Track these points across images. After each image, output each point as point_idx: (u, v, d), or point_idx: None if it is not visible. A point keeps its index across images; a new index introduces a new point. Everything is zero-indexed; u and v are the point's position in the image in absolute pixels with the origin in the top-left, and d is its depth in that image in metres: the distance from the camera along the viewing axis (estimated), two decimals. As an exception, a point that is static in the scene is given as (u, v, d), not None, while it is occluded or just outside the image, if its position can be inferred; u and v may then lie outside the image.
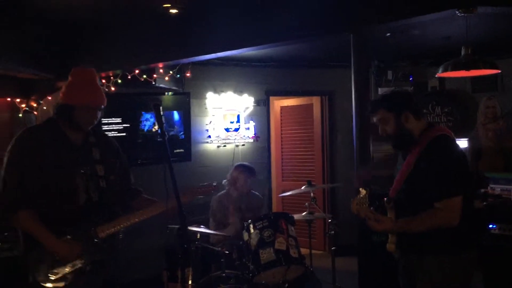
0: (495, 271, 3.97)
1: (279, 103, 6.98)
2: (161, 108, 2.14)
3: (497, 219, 4.09)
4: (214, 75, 5.93)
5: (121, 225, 2.50)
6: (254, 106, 6.10)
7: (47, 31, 4.43)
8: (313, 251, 4.43)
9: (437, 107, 6.03)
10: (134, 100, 5.25)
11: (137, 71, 4.89)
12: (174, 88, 5.51)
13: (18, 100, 4.98)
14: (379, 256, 3.85)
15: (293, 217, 3.60)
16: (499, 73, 4.39)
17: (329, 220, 4.08)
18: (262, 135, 6.22)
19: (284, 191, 6.32)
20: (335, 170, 6.58)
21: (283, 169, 6.96)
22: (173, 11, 3.78)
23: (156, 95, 5.41)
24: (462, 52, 3.85)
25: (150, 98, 5.37)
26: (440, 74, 4.05)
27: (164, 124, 2.12)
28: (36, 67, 4.68)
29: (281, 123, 6.99)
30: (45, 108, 5.10)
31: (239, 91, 6.00)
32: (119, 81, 4.96)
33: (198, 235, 3.60)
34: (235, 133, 5.94)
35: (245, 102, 5.99)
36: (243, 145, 6.03)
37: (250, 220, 3.52)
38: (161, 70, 5.05)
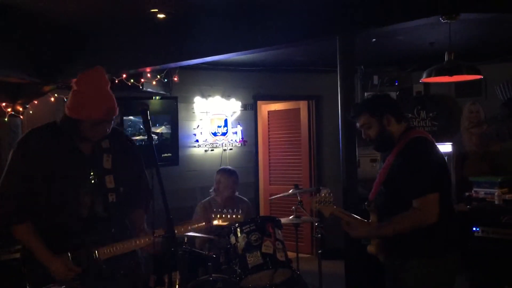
0: (480, 273, 4.04)
1: (266, 108, 7.01)
2: (148, 112, 2.14)
3: (481, 222, 4.17)
4: (201, 80, 5.95)
5: (123, 249, 2.30)
6: (241, 110, 6.13)
7: (35, 35, 4.41)
8: (300, 255, 4.45)
9: (422, 111, 6.11)
10: (120, 105, 5.24)
11: (124, 76, 4.89)
12: (161, 92, 5.52)
13: (3, 104, 4.95)
14: (366, 259, 3.89)
15: (280, 221, 3.63)
16: (482, 78, 4.47)
17: (316, 224, 4.10)
18: (250, 139, 6.25)
19: (271, 195, 6.37)
20: (322, 174, 6.62)
21: (271, 173, 6.99)
22: (161, 16, 3.79)
23: (143, 100, 5.42)
24: (446, 58, 3.92)
25: (137, 102, 5.37)
26: (424, 79, 4.11)
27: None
28: (24, 72, 4.65)
29: (268, 127, 7.02)
30: (31, 112, 5.07)
31: (226, 95, 6.03)
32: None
33: (185, 239, 3.61)
34: (222, 137, 5.95)
35: (232, 107, 6.02)
36: (231, 149, 6.05)
37: (237, 224, 3.53)
38: (148, 75, 5.06)
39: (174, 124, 5.63)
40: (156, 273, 3.80)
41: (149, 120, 2.14)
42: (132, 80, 4.95)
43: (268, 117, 7.03)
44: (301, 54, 5.54)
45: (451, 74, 3.86)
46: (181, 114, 5.75)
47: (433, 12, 3.29)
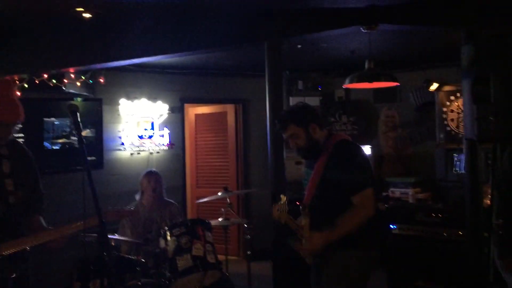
0: (396, 268, 4.30)
1: (193, 111, 7.00)
2: (78, 113, 2.08)
3: (397, 220, 4.45)
4: (127, 82, 5.83)
5: (28, 244, 2.43)
6: (168, 113, 6.07)
7: None
8: (228, 257, 4.50)
9: (344, 116, 6.41)
10: (39, 106, 5.03)
11: (46, 76, 4.68)
12: (85, 94, 5.33)
13: None
14: (293, 260, 4.02)
15: (210, 223, 3.65)
16: (398, 85, 4.78)
17: (245, 225, 4.17)
18: (177, 143, 6.21)
19: (199, 198, 6.36)
20: (249, 177, 6.72)
21: (198, 176, 6.99)
22: (87, 15, 3.68)
23: (64, 101, 5.21)
24: (366, 66, 4.16)
25: (58, 104, 5.16)
26: (346, 85, 4.33)
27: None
28: None
29: (195, 131, 7.02)
30: None
31: (153, 98, 5.94)
32: (26, 85, 4.71)
33: (113, 243, 3.53)
34: (149, 140, 5.86)
35: (159, 109, 5.95)
36: (158, 152, 5.97)
37: (166, 228, 3.51)
38: (72, 75, 4.87)
39: (98, 127, 5.47)
40: (80, 280, 3.67)
41: (79, 121, 2.09)
42: (54, 81, 4.75)
43: (196, 120, 7.03)
44: (229, 58, 5.61)
45: (371, 81, 4.11)
46: (106, 117, 5.60)
47: (354, 23, 3.49)
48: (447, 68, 5.53)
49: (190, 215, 6.62)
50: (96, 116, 5.44)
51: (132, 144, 5.74)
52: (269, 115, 3.79)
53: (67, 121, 5.19)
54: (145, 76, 5.94)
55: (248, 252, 4.17)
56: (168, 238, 3.45)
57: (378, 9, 3.47)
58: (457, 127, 5.36)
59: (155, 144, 5.89)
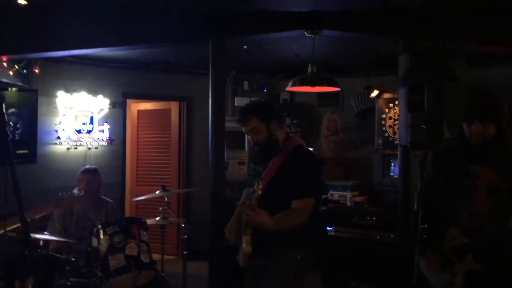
0: (332, 269, 4.39)
1: (136, 106, 6.85)
2: (3, 104, 1.97)
3: (334, 222, 4.54)
4: (66, 73, 5.61)
5: None
6: (109, 108, 5.90)
7: None
8: (165, 257, 4.42)
9: (288, 118, 6.48)
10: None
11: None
12: (19, 84, 5.08)
13: None
14: (230, 260, 4.02)
15: (145, 222, 3.57)
16: (340, 90, 4.89)
17: (183, 225, 4.12)
18: (117, 139, 6.04)
19: (138, 196, 6.22)
20: (191, 175, 6.65)
21: (138, 173, 6.84)
22: (22, 2, 3.50)
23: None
24: (309, 70, 4.22)
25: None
26: (289, 88, 4.37)
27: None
28: None
29: (137, 127, 6.86)
30: None
31: (93, 91, 5.76)
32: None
33: (41, 242, 3.38)
34: (87, 135, 5.67)
35: (99, 104, 5.77)
36: (96, 148, 5.79)
37: (100, 226, 3.40)
38: (4, 64, 4.63)
39: (33, 119, 5.22)
40: (4, 278, 3.49)
41: (3, 113, 1.97)
42: (-16, 69, 4.50)
43: (138, 116, 6.87)
44: (175, 55, 5.53)
45: (313, 85, 4.17)
46: (42, 109, 5.35)
47: (299, 27, 3.54)
48: (387, 76, 5.69)
49: (128, 213, 6.46)
50: (31, 108, 5.19)
51: (69, 138, 5.54)
52: (211, 113, 3.77)
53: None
54: (86, 69, 5.74)
55: (185, 252, 4.11)
56: (101, 236, 3.33)
57: (322, 15, 3.54)
58: (394, 133, 5.55)
59: (94, 139, 5.71)
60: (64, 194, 3.64)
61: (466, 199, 2.45)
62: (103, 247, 3.29)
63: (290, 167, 2.69)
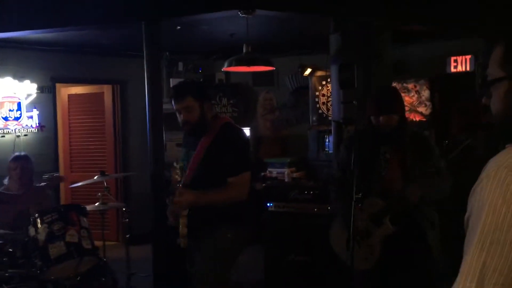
0: (272, 244, 4.52)
1: (66, 91, 6.60)
2: None
3: (273, 198, 4.66)
4: (-12, 58, 5.31)
5: None
6: (37, 93, 5.65)
7: None
8: (106, 242, 4.37)
9: (224, 98, 6.52)
10: None
11: None
12: None
13: None
14: (172, 241, 4.05)
15: (85, 208, 3.52)
16: (274, 69, 4.98)
17: (124, 209, 4.08)
18: (48, 125, 5.82)
19: (73, 183, 6.04)
20: (128, 159, 6.55)
21: (72, 160, 6.64)
22: None
23: None
24: (244, 50, 4.27)
25: None
26: (225, 68, 4.41)
27: None
28: None
29: (69, 112, 6.63)
30: None
31: (19, 76, 5.48)
32: None
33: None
34: (15, 122, 5.43)
35: (27, 89, 5.51)
36: (26, 135, 5.55)
37: (36, 214, 3.31)
38: None
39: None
40: None
41: None
42: None
43: (69, 101, 6.63)
44: (106, 37, 5.38)
45: (248, 65, 4.23)
46: (-37, 96, 5.06)
47: (232, 7, 3.57)
48: (320, 54, 5.86)
49: (64, 201, 6.28)
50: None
51: (-4, 126, 5.28)
52: (148, 96, 3.74)
53: None
54: (9, 52, 5.45)
55: (127, 235, 4.09)
56: (39, 225, 3.25)
57: (255, -5, 3.58)
58: (328, 110, 5.75)
59: (22, 126, 5.47)
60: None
61: (380, 173, 2.77)
62: (42, 236, 3.22)
63: (220, 145, 2.72)
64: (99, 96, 6.53)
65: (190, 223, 2.68)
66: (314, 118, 5.91)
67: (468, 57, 5.07)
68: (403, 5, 3.61)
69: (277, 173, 5.54)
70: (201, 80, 6.36)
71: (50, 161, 5.89)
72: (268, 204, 4.66)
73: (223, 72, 6.01)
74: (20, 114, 5.46)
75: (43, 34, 4.85)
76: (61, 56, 5.87)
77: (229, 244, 2.73)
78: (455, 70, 5.19)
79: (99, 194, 4.02)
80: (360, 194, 2.55)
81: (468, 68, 5.07)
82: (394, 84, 4.61)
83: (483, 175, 1.01)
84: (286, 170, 5.47)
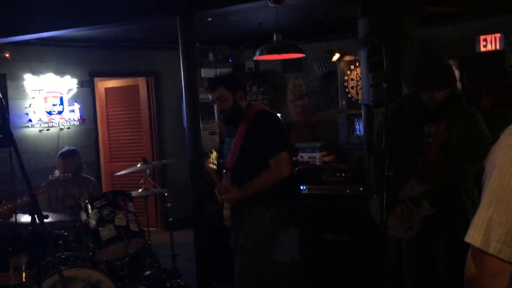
0: (307, 225, 4.69)
1: (103, 84, 6.87)
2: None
3: (306, 181, 4.81)
4: (31, 56, 5.59)
5: None
6: (78, 87, 5.93)
7: None
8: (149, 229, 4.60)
9: (254, 86, 6.67)
10: None
11: None
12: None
13: None
14: (213, 225, 4.26)
15: (130, 194, 3.74)
16: (304, 56, 5.09)
17: (166, 194, 4.30)
18: (88, 117, 6.11)
19: (112, 172, 6.32)
20: (163, 148, 6.79)
21: (111, 151, 6.93)
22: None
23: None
24: (274, 38, 4.40)
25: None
26: (256, 57, 4.55)
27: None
28: None
29: (106, 105, 6.90)
30: None
31: (60, 72, 5.77)
32: None
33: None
34: (58, 116, 5.72)
35: (68, 84, 5.79)
36: (68, 128, 5.85)
37: (87, 201, 3.55)
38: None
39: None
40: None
41: (1, 98, 2.09)
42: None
43: (106, 94, 6.91)
44: (139, 30, 5.57)
45: (279, 53, 4.36)
46: (11, 93, 5.36)
47: (263, -3, 3.70)
48: (347, 39, 5.92)
49: (105, 189, 6.57)
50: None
51: (41, 120, 5.58)
52: (184, 86, 3.92)
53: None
54: (51, 50, 5.73)
55: (170, 219, 4.31)
56: (90, 211, 3.49)
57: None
58: (357, 94, 5.83)
59: (65, 119, 5.76)
60: (51, 177, 3.75)
61: (421, 154, 2.78)
62: (93, 220, 3.45)
63: (256, 131, 2.91)
64: (134, 88, 6.77)
65: (234, 205, 2.92)
66: (344, 102, 6.00)
67: (497, 35, 5.06)
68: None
69: (308, 157, 5.66)
70: (231, 69, 6.53)
71: (91, 152, 6.18)
72: (302, 187, 4.82)
73: (252, 60, 6.15)
74: (63, 108, 5.74)
75: (80, 32, 5.09)
76: (98, 51, 6.13)
77: (268, 222, 2.91)
78: (484, 49, 5.17)
79: (142, 181, 4.26)
80: (391, 172, 2.64)
81: (497, 47, 5.06)
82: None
83: (497, 141, 1.15)
84: (317, 155, 5.59)
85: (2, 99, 2.09)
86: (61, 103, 5.74)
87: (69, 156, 4.22)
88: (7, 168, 2.02)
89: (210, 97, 3.02)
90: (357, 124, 5.75)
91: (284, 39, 4.56)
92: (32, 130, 5.59)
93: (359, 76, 5.66)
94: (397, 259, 3.24)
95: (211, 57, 6.45)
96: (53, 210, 4.07)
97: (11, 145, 2.00)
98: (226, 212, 2.97)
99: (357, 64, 5.77)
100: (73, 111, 5.82)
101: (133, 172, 4.52)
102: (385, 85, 2.82)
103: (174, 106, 6.51)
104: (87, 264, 3.36)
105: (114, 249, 3.48)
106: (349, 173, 4.67)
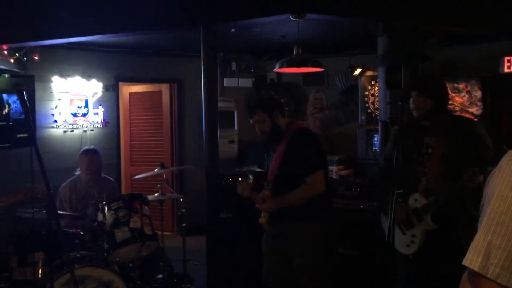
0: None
1: (127, 89, 7.03)
2: (24, 92, 2.19)
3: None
4: (60, 59, 5.77)
5: None
6: (103, 91, 6.09)
7: None
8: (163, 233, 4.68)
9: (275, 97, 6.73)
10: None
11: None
12: (15, 70, 5.24)
13: None
14: (226, 232, 4.32)
15: (146, 198, 3.82)
16: (323, 70, 5.14)
17: (181, 199, 4.37)
18: (112, 121, 6.25)
19: (132, 176, 6.43)
20: (183, 154, 6.90)
21: (132, 154, 7.07)
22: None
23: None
24: (295, 51, 4.46)
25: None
26: (276, 69, 4.62)
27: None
28: None
29: (130, 109, 7.06)
30: None
31: (87, 75, 5.94)
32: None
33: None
34: (83, 118, 5.87)
35: (93, 87, 5.95)
36: (92, 130, 6.00)
37: (104, 202, 3.65)
38: (5, 52, 4.79)
39: (31, 104, 5.37)
40: (17, 254, 3.74)
41: (26, 100, 2.20)
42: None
43: (130, 99, 7.07)
44: (164, 38, 5.71)
45: (299, 66, 4.42)
46: (38, 94, 5.54)
47: (285, 11, 3.76)
48: (369, 54, 5.95)
49: (124, 191, 6.70)
50: (28, 93, 5.32)
51: (66, 121, 5.73)
52: (204, 95, 4.00)
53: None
54: (78, 54, 5.90)
55: (183, 225, 4.39)
56: (106, 212, 3.58)
57: (306, 0, 3.76)
58: (376, 109, 5.83)
59: (89, 122, 5.91)
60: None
61: (424, 166, 2.84)
62: (109, 221, 3.55)
63: (295, 148, 3.08)
64: (157, 94, 6.91)
65: (270, 215, 3.09)
66: (363, 117, 6.00)
67: (522, 57, 5.02)
68: (450, 10, 3.68)
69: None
70: (253, 79, 6.61)
71: (113, 154, 6.32)
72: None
73: (274, 72, 6.21)
74: (87, 110, 5.90)
75: (107, 38, 5.24)
76: (124, 56, 6.28)
77: (310, 237, 3.05)
78: (508, 70, 5.14)
79: (159, 185, 4.34)
80: (401, 190, 2.67)
81: (521, 68, 5.02)
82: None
83: (497, 167, 1.17)
84: (334, 168, 5.59)
85: (27, 101, 2.17)
86: (86, 105, 5.90)
87: (91, 153, 4.34)
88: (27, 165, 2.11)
89: (250, 121, 3.22)
90: (375, 139, 5.75)
91: (306, 53, 4.62)
92: (56, 131, 5.75)
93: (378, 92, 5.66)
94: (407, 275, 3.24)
95: (234, 66, 6.54)
96: (74, 208, 4.19)
97: (32, 145, 2.08)
98: (263, 220, 3.13)
99: (377, 79, 5.77)
100: (97, 114, 5.97)
101: (152, 176, 4.62)
102: (401, 103, 2.86)
103: (196, 113, 6.58)
104: (101, 264, 3.45)
105: (127, 251, 3.57)
106: (365, 188, 4.66)
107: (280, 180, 3.11)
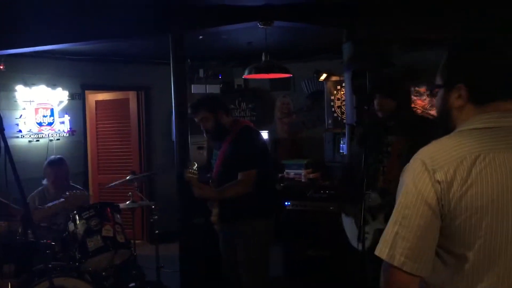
0: (290, 241, 4.78)
1: (94, 97, 6.96)
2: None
3: (291, 197, 4.92)
4: (24, 67, 5.67)
5: None
6: (68, 99, 6.01)
7: None
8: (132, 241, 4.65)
9: (243, 103, 6.81)
10: None
11: None
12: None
13: None
14: (198, 238, 4.34)
15: (118, 206, 3.82)
16: (291, 76, 5.25)
17: (153, 207, 4.37)
18: (78, 129, 6.18)
19: (100, 184, 6.38)
20: (152, 161, 6.87)
21: (99, 162, 6.99)
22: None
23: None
24: (262, 58, 4.55)
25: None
26: (245, 76, 4.69)
27: None
28: None
29: (96, 117, 6.98)
30: None
31: (52, 84, 5.85)
32: None
33: (20, 230, 3.55)
34: (48, 127, 5.79)
35: (59, 96, 5.88)
36: (58, 139, 5.91)
37: (75, 211, 3.61)
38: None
39: (-6, 114, 5.28)
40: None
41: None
42: None
43: (96, 107, 6.99)
44: (131, 46, 5.69)
45: (267, 72, 4.51)
46: (2, 103, 5.43)
47: (252, 19, 3.85)
48: (334, 60, 6.10)
49: (92, 200, 6.61)
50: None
51: (31, 131, 5.64)
52: (174, 101, 4.03)
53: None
54: (43, 62, 5.81)
55: (156, 232, 4.38)
56: (77, 221, 3.56)
57: (274, 8, 3.85)
58: (342, 113, 5.99)
59: (55, 131, 5.83)
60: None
61: (383, 165, 2.93)
62: (80, 231, 3.52)
63: (235, 145, 3.14)
64: (124, 102, 6.87)
65: (223, 214, 3.16)
66: (330, 121, 6.15)
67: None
68: (409, 17, 3.84)
69: (294, 174, 5.76)
70: (220, 85, 6.66)
71: (80, 163, 6.24)
72: (286, 203, 4.92)
73: (242, 77, 6.28)
74: (53, 119, 5.81)
75: (73, 46, 5.19)
76: (89, 64, 6.22)
77: (264, 236, 3.15)
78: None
79: (130, 193, 4.33)
80: (370, 191, 2.76)
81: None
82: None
83: (408, 163, 1.28)
84: (303, 171, 5.69)
85: None
86: (52, 114, 5.81)
87: (57, 164, 4.27)
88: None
89: (195, 120, 3.27)
90: (342, 142, 5.90)
91: (273, 59, 4.71)
92: (21, 141, 5.65)
93: (345, 96, 5.81)
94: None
95: (201, 73, 6.57)
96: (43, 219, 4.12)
97: (6, 155, 2.07)
98: (214, 218, 3.21)
99: (343, 84, 5.93)
100: (63, 122, 5.89)
101: (120, 184, 4.60)
102: (367, 107, 2.97)
103: (163, 120, 6.62)
104: (73, 273, 3.41)
105: (100, 260, 3.54)
106: (333, 190, 4.78)
107: (223, 177, 3.17)
